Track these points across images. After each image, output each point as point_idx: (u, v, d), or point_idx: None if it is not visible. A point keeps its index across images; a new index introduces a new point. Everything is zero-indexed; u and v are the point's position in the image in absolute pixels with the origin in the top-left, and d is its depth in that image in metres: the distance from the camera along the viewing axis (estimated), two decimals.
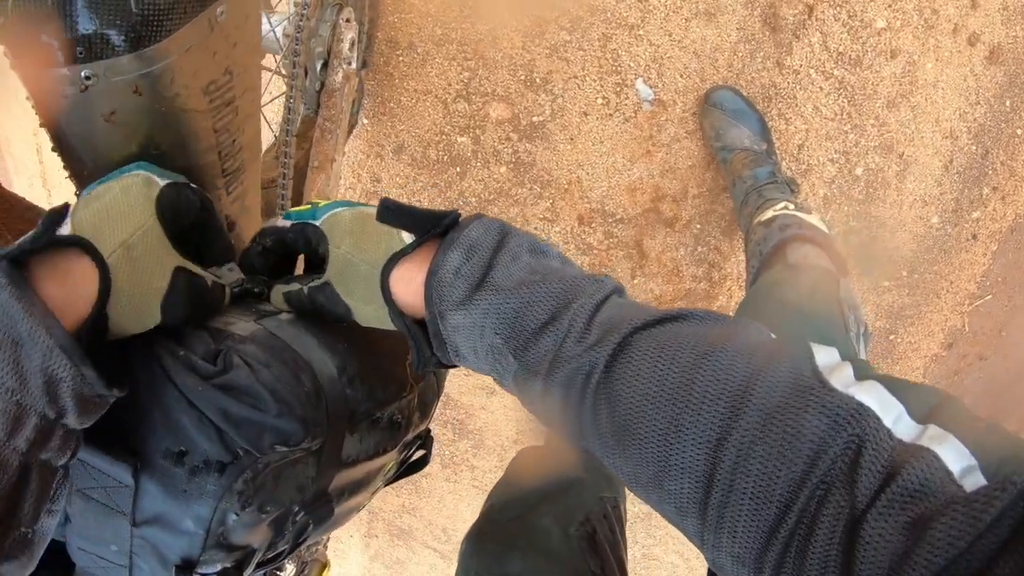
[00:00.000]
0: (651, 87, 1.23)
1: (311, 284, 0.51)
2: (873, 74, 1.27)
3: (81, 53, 0.44)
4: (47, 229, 0.42)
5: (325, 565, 1.08)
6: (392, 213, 0.49)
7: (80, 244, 0.42)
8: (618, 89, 1.24)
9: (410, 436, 0.62)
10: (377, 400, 0.56)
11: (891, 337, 1.52)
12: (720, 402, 0.35)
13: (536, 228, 1.39)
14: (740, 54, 1.22)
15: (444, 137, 1.36)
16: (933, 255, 1.43)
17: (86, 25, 0.43)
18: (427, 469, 0.67)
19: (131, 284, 0.44)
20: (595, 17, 1.21)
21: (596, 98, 1.25)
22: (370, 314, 0.50)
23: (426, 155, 1.38)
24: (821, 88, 1.26)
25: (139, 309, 0.45)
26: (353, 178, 1.47)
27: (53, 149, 0.52)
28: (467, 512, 1.87)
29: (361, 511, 0.61)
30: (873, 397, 0.32)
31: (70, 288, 0.41)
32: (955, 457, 0.29)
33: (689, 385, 0.36)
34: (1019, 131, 1.39)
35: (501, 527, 0.79)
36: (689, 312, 0.41)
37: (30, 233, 0.40)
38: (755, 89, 1.25)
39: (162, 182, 0.49)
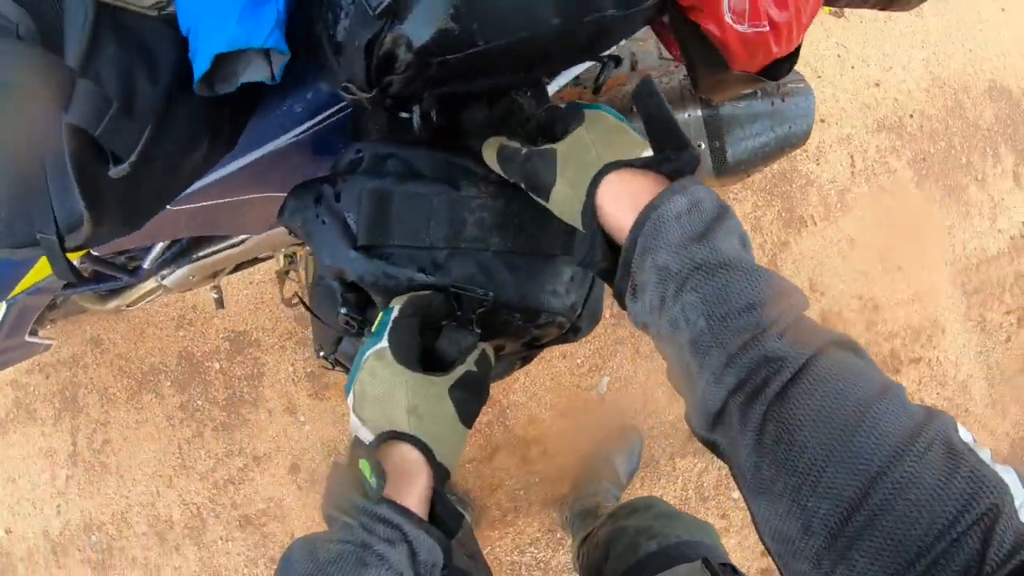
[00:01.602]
0: (607, 388, 1.60)
1: (536, 147, 0.55)
2: None
3: None
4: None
5: None
6: (650, 98, 0.50)
7: (409, 440, 0.52)
8: (595, 367, 1.61)
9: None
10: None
11: None
12: (888, 439, 0.36)
13: None
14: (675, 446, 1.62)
15: None
16: None
17: None
18: None
19: (438, 428, 0.53)
20: (621, 346, 1.61)
21: (580, 357, 1.60)
22: (563, 201, 0.52)
23: None
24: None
25: (455, 441, 0.54)
26: None
27: None
28: None
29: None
30: (1009, 478, 0.34)
31: (412, 472, 0.51)
32: None
33: (863, 413, 0.37)
34: None
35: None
36: (862, 349, 0.43)
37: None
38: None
39: (384, 343, 0.54)
